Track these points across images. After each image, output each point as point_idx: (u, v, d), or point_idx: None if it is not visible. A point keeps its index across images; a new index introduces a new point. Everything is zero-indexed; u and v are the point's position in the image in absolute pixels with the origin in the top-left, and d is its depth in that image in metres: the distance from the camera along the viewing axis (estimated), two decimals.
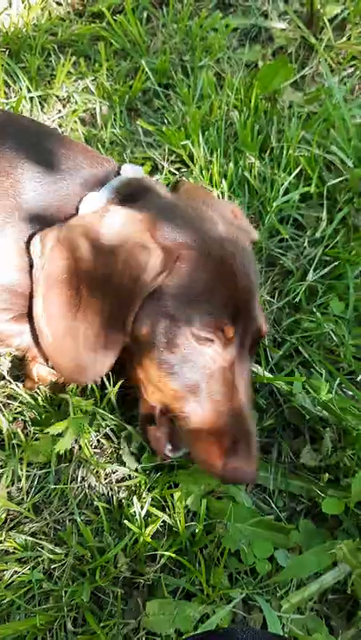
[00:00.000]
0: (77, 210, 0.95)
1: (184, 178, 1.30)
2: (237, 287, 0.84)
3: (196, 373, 0.84)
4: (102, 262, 0.82)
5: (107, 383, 1.07)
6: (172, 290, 0.83)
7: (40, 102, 1.45)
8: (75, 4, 1.65)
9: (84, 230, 0.84)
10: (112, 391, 0.98)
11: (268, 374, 1.07)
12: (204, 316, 0.81)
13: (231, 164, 1.26)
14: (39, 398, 1.04)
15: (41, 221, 0.92)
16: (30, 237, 0.92)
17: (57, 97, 1.47)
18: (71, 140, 1.05)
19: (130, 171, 1.01)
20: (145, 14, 1.62)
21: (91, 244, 0.82)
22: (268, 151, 1.33)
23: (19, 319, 1.00)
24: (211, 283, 0.83)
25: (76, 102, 1.46)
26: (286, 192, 1.26)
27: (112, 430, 1.03)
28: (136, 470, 1.00)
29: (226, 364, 0.85)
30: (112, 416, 1.01)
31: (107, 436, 1.04)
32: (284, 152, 1.29)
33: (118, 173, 1.00)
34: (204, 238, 0.85)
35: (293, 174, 1.25)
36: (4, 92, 1.45)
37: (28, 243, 0.92)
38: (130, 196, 0.95)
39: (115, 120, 1.42)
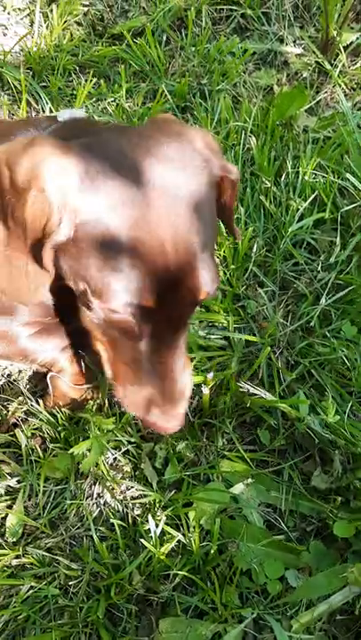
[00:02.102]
0: None
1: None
2: (165, 253, 0.71)
3: (118, 338, 0.80)
4: (17, 199, 0.75)
5: None
6: (82, 254, 0.73)
7: None
8: (95, 25, 1.69)
9: (7, 159, 0.75)
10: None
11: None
12: (115, 299, 0.72)
13: (248, 189, 1.29)
14: (59, 416, 1.06)
15: None
16: None
17: None
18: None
19: (66, 114, 0.94)
20: (164, 37, 1.66)
21: (10, 176, 0.75)
22: (283, 176, 1.36)
23: (42, 334, 1.02)
24: (121, 255, 0.70)
25: None
26: (301, 217, 1.29)
27: (132, 447, 1.06)
28: (152, 487, 1.02)
29: (148, 333, 0.77)
30: (132, 432, 1.04)
31: (124, 453, 1.06)
32: (300, 178, 1.32)
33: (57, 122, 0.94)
34: (117, 197, 0.70)
35: (309, 200, 1.28)
36: (26, 112, 1.49)
37: None
38: (66, 137, 0.84)
39: None
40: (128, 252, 0.70)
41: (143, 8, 1.74)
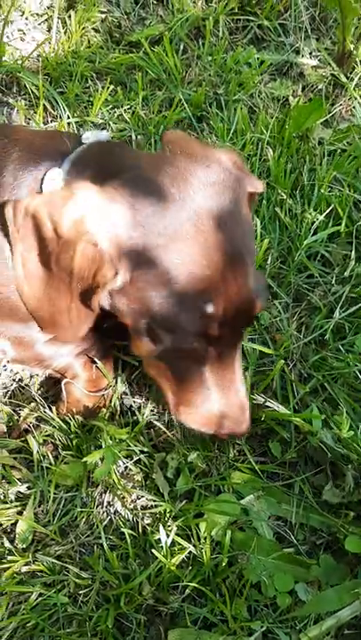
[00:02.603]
0: (42, 190, 0.90)
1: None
2: (223, 279, 0.73)
3: (181, 362, 0.82)
4: (63, 250, 0.76)
5: (137, 412, 1.10)
6: (142, 293, 0.75)
7: (77, 128, 1.49)
8: (113, 32, 1.69)
9: (49, 212, 0.76)
10: (144, 420, 1.00)
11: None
12: (184, 331, 0.75)
13: (264, 201, 1.29)
14: (71, 423, 1.06)
15: None
16: None
17: (93, 123, 1.51)
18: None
19: (90, 137, 0.95)
20: (181, 46, 1.66)
21: (53, 229, 0.76)
22: (299, 188, 1.36)
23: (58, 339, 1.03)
24: (183, 288, 0.72)
25: (112, 130, 1.50)
26: (316, 230, 1.29)
27: (143, 457, 1.06)
28: (163, 497, 1.02)
29: (214, 354, 0.80)
30: (144, 441, 1.04)
31: (136, 462, 1.06)
32: (315, 190, 1.33)
33: (82, 143, 0.95)
34: (166, 233, 0.72)
35: (325, 214, 1.29)
36: (43, 117, 1.49)
37: None
38: (94, 164, 0.87)
39: (149, 149, 1.46)
40: (189, 284, 0.72)
41: (161, 16, 1.74)
